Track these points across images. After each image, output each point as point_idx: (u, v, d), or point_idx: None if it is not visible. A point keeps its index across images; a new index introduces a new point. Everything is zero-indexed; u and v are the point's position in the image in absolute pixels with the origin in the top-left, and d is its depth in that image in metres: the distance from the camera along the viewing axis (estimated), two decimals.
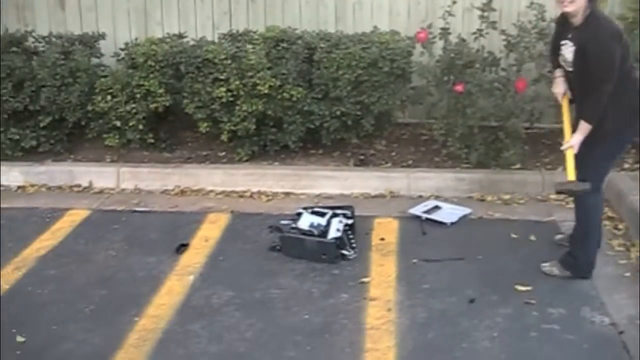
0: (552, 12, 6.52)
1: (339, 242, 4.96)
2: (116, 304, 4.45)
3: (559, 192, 4.83)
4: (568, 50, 4.38)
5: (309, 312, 4.28)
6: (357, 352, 3.86)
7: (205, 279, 4.73)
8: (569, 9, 4.25)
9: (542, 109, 6.40)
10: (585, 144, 4.38)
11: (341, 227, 5.06)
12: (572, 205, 5.05)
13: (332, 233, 5.01)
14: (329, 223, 5.09)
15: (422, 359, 3.80)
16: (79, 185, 6.50)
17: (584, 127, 4.34)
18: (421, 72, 6.34)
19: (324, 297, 4.45)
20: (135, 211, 5.94)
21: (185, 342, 4.02)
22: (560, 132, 6.57)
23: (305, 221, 5.14)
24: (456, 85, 6.04)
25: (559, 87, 4.60)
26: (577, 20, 4.30)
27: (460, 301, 4.35)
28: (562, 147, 4.48)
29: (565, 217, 5.29)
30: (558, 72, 4.63)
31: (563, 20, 4.48)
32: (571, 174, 4.35)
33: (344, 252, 4.96)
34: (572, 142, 4.38)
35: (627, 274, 4.64)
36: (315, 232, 5.03)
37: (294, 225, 5.14)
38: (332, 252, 4.91)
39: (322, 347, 3.93)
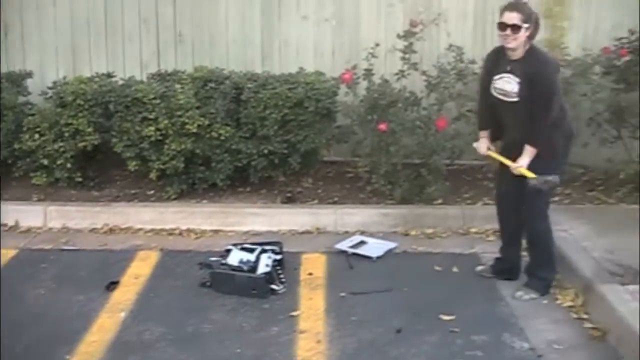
0: (470, 54, 6.87)
1: (268, 277, 5.07)
2: (47, 343, 4.43)
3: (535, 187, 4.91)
4: (507, 82, 4.66)
5: (241, 345, 4.35)
6: None
7: (136, 316, 4.76)
8: (512, 45, 4.59)
9: (462, 147, 6.64)
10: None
11: (270, 262, 5.17)
12: (492, 238, 5.30)
13: (262, 268, 5.11)
14: (258, 259, 5.19)
15: None
16: (6, 225, 6.43)
17: (530, 151, 4.67)
18: (346, 112, 6.55)
19: (255, 330, 4.54)
20: (64, 250, 5.94)
21: None
22: (479, 169, 6.92)
23: (235, 257, 5.23)
24: (380, 124, 6.24)
25: (482, 147, 5.00)
26: (517, 54, 4.64)
27: (387, 331, 4.48)
28: (513, 167, 4.74)
29: (486, 249, 5.53)
30: (483, 133, 5.02)
31: (495, 56, 4.80)
32: (531, 174, 4.66)
33: (274, 286, 5.06)
34: (521, 162, 4.69)
35: (545, 301, 4.87)
36: (245, 267, 5.13)
37: (223, 262, 5.23)
38: (261, 287, 5.00)
39: None
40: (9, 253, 5.85)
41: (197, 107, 6.35)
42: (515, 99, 4.66)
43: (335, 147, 7.10)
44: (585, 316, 4.63)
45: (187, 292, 5.11)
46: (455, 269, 5.43)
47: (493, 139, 5.04)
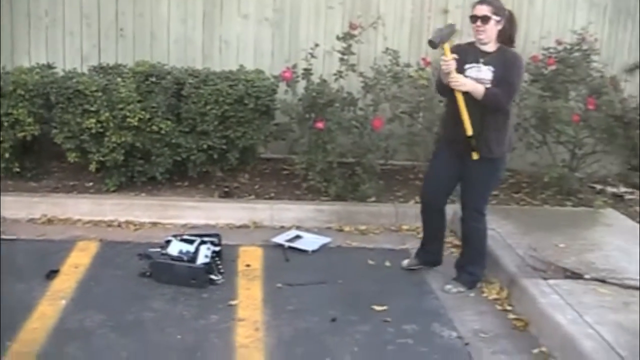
0: (406, 57, 7.11)
1: (208, 268, 5.19)
2: None
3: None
4: (480, 71, 4.85)
5: (181, 332, 4.46)
6: None
7: (77, 304, 4.82)
8: (482, 36, 4.83)
9: (396, 147, 6.89)
10: (475, 173, 5.00)
11: (209, 253, 5.29)
12: (422, 235, 5.53)
13: (201, 259, 5.23)
14: (197, 250, 5.30)
15: None
16: None
17: (479, 91, 4.79)
18: (284, 110, 6.71)
19: (195, 318, 4.65)
20: (2, 239, 5.92)
21: None
22: (411, 169, 7.15)
23: (175, 248, 5.34)
24: (317, 122, 6.42)
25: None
26: (489, 47, 4.87)
27: (322, 320, 4.66)
28: (452, 82, 4.81)
29: (416, 245, 5.70)
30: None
31: (466, 47, 4.97)
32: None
33: (212, 277, 5.18)
34: (462, 80, 4.81)
35: (472, 294, 5.13)
36: (185, 258, 5.24)
37: (163, 252, 5.33)
38: (201, 277, 5.12)
39: None
40: None
41: (139, 101, 6.43)
42: (488, 86, 4.83)
43: (273, 144, 7.23)
44: (509, 308, 4.89)
45: (127, 282, 5.18)
46: (387, 264, 5.64)
47: (451, 140, 5.13)
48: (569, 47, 7.38)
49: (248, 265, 5.50)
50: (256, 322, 4.62)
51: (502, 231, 5.89)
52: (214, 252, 5.35)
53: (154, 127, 6.45)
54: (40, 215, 6.39)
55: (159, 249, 5.42)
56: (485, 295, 5.11)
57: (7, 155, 6.58)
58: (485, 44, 4.88)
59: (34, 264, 5.43)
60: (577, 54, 7.34)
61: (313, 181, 6.66)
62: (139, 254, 5.51)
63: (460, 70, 4.86)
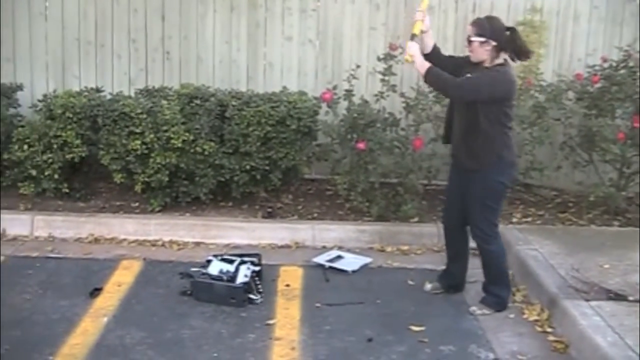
0: None
1: (247, 287, 5.24)
2: (31, 345, 4.56)
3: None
4: None
5: (218, 350, 4.52)
6: None
7: (118, 321, 4.92)
8: (471, 55, 4.90)
9: (438, 167, 6.86)
10: (470, 188, 4.99)
11: (249, 273, 5.34)
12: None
13: (240, 278, 5.28)
14: (237, 269, 5.35)
15: None
16: None
17: (423, 66, 4.94)
18: (326, 130, 6.74)
19: (232, 337, 4.71)
20: (50, 257, 6.09)
21: None
22: None
23: (215, 267, 5.39)
24: (359, 143, 6.43)
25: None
26: (484, 63, 4.88)
27: (359, 340, 4.67)
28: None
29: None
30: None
31: (467, 61, 5.00)
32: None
33: (252, 296, 5.23)
34: (413, 49, 4.98)
35: (512, 315, 5.07)
36: (224, 277, 5.30)
37: (204, 271, 5.40)
38: (240, 296, 5.18)
39: None
40: None
41: (183, 123, 6.55)
42: None
43: (316, 164, 7.30)
44: (549, 330, 4.82)
45: (168, 300, 5.27)
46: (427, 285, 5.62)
47: (453, 154, 5.23)
48: (614, 64, 7.29)
49: (287, 285, 5.54)
50: (292, 342, 4.65)
51: (544, 251, 5.83)
52: (253, 271, 5.40)
53: (198, 149, 6.55)
54: (87, 234, 6.54)
55: (200, 269, 5.49)
56: (525, 316, 5.05)
57: (56, 176, 6.75)
58: (475, 61, 4.91)
59: (78, 282, 5.57)
60: (623, 71, 7.24)
61: (355, 201, 6.68)
62: (181, 272, 5.60)
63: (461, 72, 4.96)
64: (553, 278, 5.30)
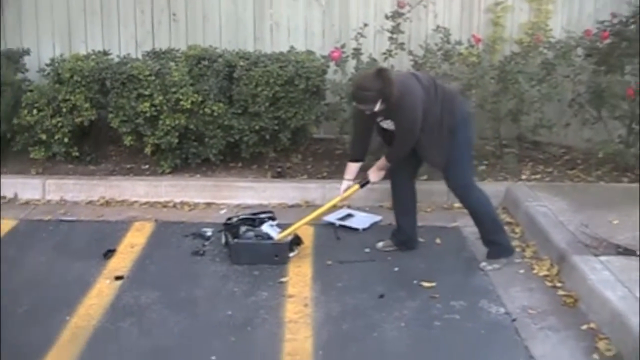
0: (457, 35, 7.08)
1: (290, 244, 5.31)
2: (48, 306, 4.63)
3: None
4: (386, 123, 5.01)
5: (232, 309, 4.57)
6: (277, 342, 4.18)
7: (133, 281, 4.98)
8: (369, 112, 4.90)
9: None
10: (441, 158, 5.03)
11: (277, 229, 5.38)
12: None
13: (274, 235, 5.31)
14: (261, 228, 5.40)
15: (337, 347, 4.14)
16: (4, 197, 6.65)
17: (386, 164, 5.18)
18: (335, 90, 6.75)
19: (246, 295, 4.77)
20: (62, 221, 6.15)
21: (117, 337, 4.25)
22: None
23: (244, 228, 5.40)
24: None
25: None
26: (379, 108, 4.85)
27: (371, 297, 4.72)
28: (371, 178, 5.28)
29: (467, 223, 5.70)
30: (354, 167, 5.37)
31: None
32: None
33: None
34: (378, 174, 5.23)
35: (522, 271, 5.11)
36: (263, 237, 5.31)
37: (246, 232, 5.35)
38: (284, 253, 5.23)
39: (245, 338, 4.23)
40: (9, 223, 6.06)
41: (191, 84, 6.55)
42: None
43: (325, 124, 7.30)
44: (559, 285, 4.85)
45: (180, 260, 5.33)
46: (437, 241, 5.67)
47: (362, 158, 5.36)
48: (624, 19, 7.23)
49: (301, 243, 5.57)
50: (305, 299, 4.71)
51: (553, 208, 5.85)
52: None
53: (207, 110, 6.56)
54: (99, 197, 6.59)
55: (211, 231, 5.57)
56: (535, 272, 5.09)
57: (66, 140, 6.78)
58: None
59: (92, 244, 5.63)
60: (633, 26, 7.17)
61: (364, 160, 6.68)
62: (193, 233, 5.66)
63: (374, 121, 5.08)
64: (562, 234, 5.32)
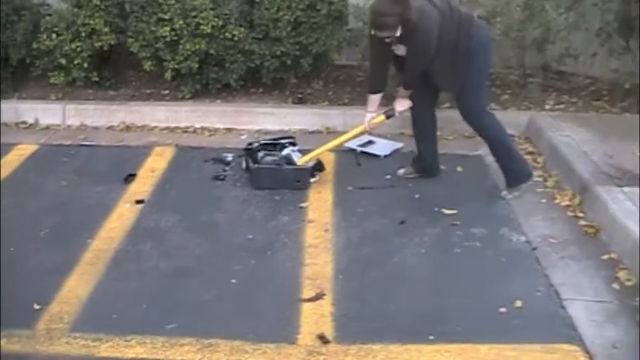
0: None
1: (312, 169, 5.31)
2: (70, 229, 4.68)
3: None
4: (399, 49, 4.87)
5: (253, 232, 4.60)
6: (297, 266, 4.20)
7: (153, 205, 5.00)
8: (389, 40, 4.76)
9: None
10: (455, 83, 4.97)
11: (299, 154, 5.37)
12: None
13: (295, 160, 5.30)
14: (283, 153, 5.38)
15: (356, 271, 4.16)
16: (25, 122, 6.67)
17: (406, 92, 5.13)
18: (357, 15, 6.63)
19: (266, 219, 4.78)
20: (83, 145, 6.16)
21: (138, 259, 4.30)
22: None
23: (264, 153, 5.36)
24: None
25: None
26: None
27: (391, 223, 4.72)
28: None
29: (489, 152, 5.67)
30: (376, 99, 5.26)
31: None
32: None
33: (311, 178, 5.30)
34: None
35: (543, 200, 5.07)
36: (284, 161, 5.29)
37: (267, 157, 5.31)
38: (305, 178, 5.23)
39: (265, 262, 4.26)
40: (30, 148, 6.09)
41: (212, 8, 6.45)
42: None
43: (347, 50, 7.18)
44: (580, 215, 4.81)
45: (201, 185, 5.34)
46: (459, 169, 5.62)
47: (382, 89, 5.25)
48: None
49: (321, 169, 5.54)
50: (326, 224, 4.71)
51: (577, 138, 5.77)
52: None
53: (227, 34, 6.47)
54: (119, 122, 6.59)
55: (230, 156, 5.58)
56: (557, 201, 5.04)
57: (85, 65, 6.73)
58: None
59: (112, 168, 5.65)
60: None
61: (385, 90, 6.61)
62: (213, 158, 5.66)
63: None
64: (585, 164, 5.26)
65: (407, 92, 5.11)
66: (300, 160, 5.28)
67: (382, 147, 5.98)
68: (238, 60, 6.62)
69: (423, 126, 5.39)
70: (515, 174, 5.13)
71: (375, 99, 5.22)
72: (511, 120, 5.79)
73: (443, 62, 4.85)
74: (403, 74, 5.08)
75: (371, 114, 5.23)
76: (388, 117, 5.25)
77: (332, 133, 6.32)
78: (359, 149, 5.92)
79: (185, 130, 6.46)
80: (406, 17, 4.62)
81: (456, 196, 5.12)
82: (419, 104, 5.25)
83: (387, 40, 4.76)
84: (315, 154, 5.33)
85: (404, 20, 4.63)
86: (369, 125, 5.25)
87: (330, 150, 5.50)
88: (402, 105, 5.18)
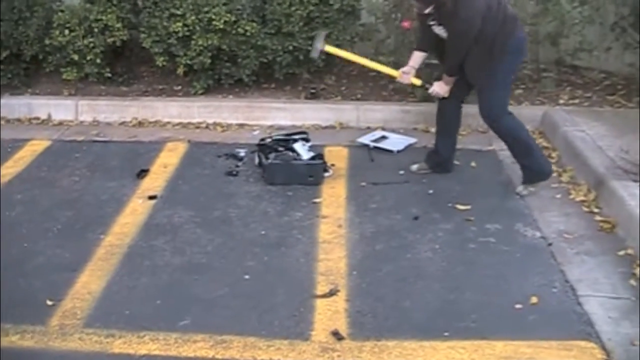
0: None
1: (324, 164, 5.31)
2: (82, 224, 4.68)
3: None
4: (438, 29, 4.88)
5: (266, 228, 4.58)
6: (310, 262, 4.18)
7: (166, 201, 4.99)
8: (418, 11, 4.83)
9: None
10: (482, 77, 4.91)
11: (310, 151, 5.36)
12: None
13: (306, 155, 5.29)
14: (295, 148, 5.37)
15: (370, 267, 4.13)
16: (38, 118, 6.68)
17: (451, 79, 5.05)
18: (370, 9, 6.60)
19: (279, 215, 4.76)
20: (95, 141, 6.16)
21: (150, 255, 4.28)
22: None
23: (273, 150, 5.36)
24: (403, 22, 6.29)
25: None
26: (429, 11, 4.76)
27: (405, 218, 4.69)
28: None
29: (503, 147, 5.59)
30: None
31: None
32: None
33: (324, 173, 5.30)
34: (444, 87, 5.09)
35: (558, 196, 5.03)
36: (296, 156, 5.29)
37: (278, 153, 5.33)
38: (318, 173, 5.21)
39: (279, 257, 4.24)
40: (42, 144, 6.09)
41: (224, 4, 6.43)
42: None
43: (359, 45, 7.13)
44: (596, 210, 4.76)
45: (213, 180, 5.32)
46: (473, 164, 5.58)
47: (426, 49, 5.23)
48: None
49: (333, 165, 5.53)
50: (339, 219, 4.69)
51: (592, 133, 5.72)
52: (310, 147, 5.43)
53: (240, 30, 6.45)
54: (132, 118, 6.58)
55: (256, 152, 5.52)
56: (572, 197, 5.00)
57: (98, 60, 6.72)
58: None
59: (125, 164, 5.65)
60: None
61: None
62: (226, 154, 5.64)
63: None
64: (601, 159, 5.21)
65: (450, 79, 5.04)
66: (329, 48, 5.42)
67: (395, 142, 5.95)
68: (250, 55, 6.60)
69: (448, 120, 5.35)
70: (534, 171, 5.07)
71: (418, 56, 5.19)
72: (525, 115, 5.75)
73: (478, 53, 4.80)
74: (444, 60, 5.05)
75: (410, 68, 5.19)
76: (422, 86, 5.25)
77: (345, 128, 6.33)
78: (372, 144, 5.89)
79: (197, 126, 6.46)
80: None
81: (470, 191, 5.09)
82: (447, 98, 5.21)
83: (416, 11, 4.85)
84: (343, 54, 5.43)
85: (436, 0, 4.65)
86: (403, 74, 5.19)
87: (356, 62, 5.61)
88: (440, 88, 5.12)
